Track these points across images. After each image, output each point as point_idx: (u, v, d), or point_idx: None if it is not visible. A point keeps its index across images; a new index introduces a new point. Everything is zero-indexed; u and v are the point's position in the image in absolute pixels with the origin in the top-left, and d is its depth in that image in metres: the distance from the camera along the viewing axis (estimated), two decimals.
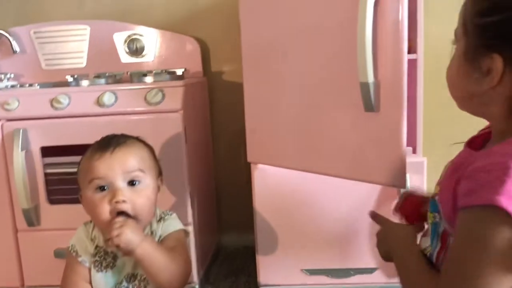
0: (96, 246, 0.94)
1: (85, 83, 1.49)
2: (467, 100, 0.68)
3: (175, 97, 1.37)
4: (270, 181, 1.31)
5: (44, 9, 1.87)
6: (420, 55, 1.30)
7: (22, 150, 1.35)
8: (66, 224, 1.34)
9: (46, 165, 1.40)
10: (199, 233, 1.51)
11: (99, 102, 1.38)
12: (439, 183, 0.71)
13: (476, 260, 0.57)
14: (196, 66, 1.79)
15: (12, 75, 1.74)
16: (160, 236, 0.94)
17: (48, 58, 1.80)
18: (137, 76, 1.52)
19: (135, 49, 1.77)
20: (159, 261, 0.85)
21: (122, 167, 0.88)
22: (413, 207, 0.81)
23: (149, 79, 1.48)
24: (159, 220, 0.95)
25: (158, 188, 0.96)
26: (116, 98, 1.38)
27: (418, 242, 0.75)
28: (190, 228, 1.42)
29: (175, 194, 1.39)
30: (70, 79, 1.56)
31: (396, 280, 0.71)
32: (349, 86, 0.96)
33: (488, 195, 0.55)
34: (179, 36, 1.78)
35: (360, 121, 0.97)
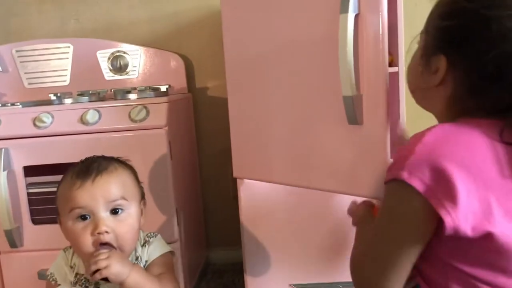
0: (76, 274, 0.91)
1: (68, 101, 1.48)
2: (419, 94, 0.77)
3: (159, 113, 1.37)
4: (257, 196, 1.31)
5: (26, 28, 1.86)
6: (401, 68, 1.32)
7: (4, 170, 1.33)
8: (50, 245, 1.32)
9: (29, 185, 1.38)
10: (186, 250, 1.50)
11: (82, 120, 1.37)
12: None
13: (386, 229, 0.66)
14: (181, 82, 1.79)
15: None
16: (146, 262, 0.91)
17: (31, 76, 1.78)
18: (121, 93, 1.52)
19: (119, 66, 1.77)
20: None
21: (104, 196, 0.85)
22: None
23: (133, 96, 1.48)
24: (144, 244, 0.93)
25: (141, 212, 0.93)
26: (100, 115, 1.37)
27: None
28: (177, 245, 1.40)
29: (161, 211, 1.37)
30: (53, 97, 1.55)
31: None
32: (333, 100, 0.96)
33: (394, 171, 0.64)
34: (163, 53, 1.79)
35: (344, 135, 0.98)
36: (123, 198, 0.87)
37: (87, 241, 0.83)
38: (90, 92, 1.60)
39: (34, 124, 1.37)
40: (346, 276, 1.34)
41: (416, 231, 0.63)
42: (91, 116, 1.36)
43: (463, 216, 0.59)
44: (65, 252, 0.94)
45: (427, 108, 0.76)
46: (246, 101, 1.20)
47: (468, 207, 0.59)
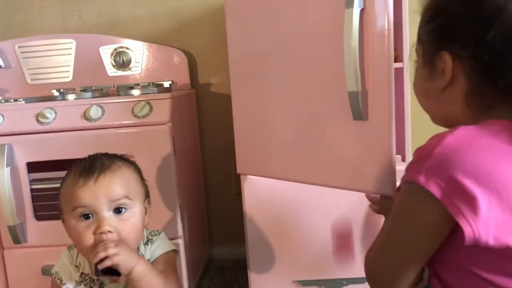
0: (82, 274, 0.90)
1: (71, 97, 1.48)
2: (433, 105, 0.74)
3: (162, 109, 1.36)
4: (260, 192, 1.30)
5: (29, 24, 1.86)
6: (406, 63, 1.31)
7: (7, 166, 1.33)
8: (54, 241, 1.33)
9: (32, 181, 1.38)
10: (189, 246, 1.50)
11: (85, 116, 1.36)
12: None
13: (401, 229, 0.65)
14: (184, 78, 1.78)
15: None
16: (148, 260, 0.90)
17: (34, 72, 1.78)
18: (124, 89, 1.51)
19: (122, 62, 1.77)
20: (154, 282, 0.83)
21: (108, 195, 0.83)
22: None
23: (136, 92, 1.47)
24: (147, 243, 0.92)
25: (146, 211, 0.92)
26: (103, 111, 1.37)
27: None
28: (181, 241, 1.40)
29: (164, 207, 1.37)
30: (56, 93, 1.55)
31: None
32: (338, 95, 0.96)
33: (411, 173, 0.62)
34: (166, 49, 1.78)
35: (349, 130, 0.97)
36: (127, 197, 0.86)
37: (90, 240, 0.82)
38: (93, 88, 1.60)
39: (37, 120, 1.37)
40: (350, 272, 1.34)
41: (430, 233, 0.62)
42: (94, 112, 1.36)
43: (484, 226, 0.57)
44: (69, 250, 0.94)
45: (444, 117, 0.72)
46: (249, 97, 1.19)
47: (489, 216, 0.57)
